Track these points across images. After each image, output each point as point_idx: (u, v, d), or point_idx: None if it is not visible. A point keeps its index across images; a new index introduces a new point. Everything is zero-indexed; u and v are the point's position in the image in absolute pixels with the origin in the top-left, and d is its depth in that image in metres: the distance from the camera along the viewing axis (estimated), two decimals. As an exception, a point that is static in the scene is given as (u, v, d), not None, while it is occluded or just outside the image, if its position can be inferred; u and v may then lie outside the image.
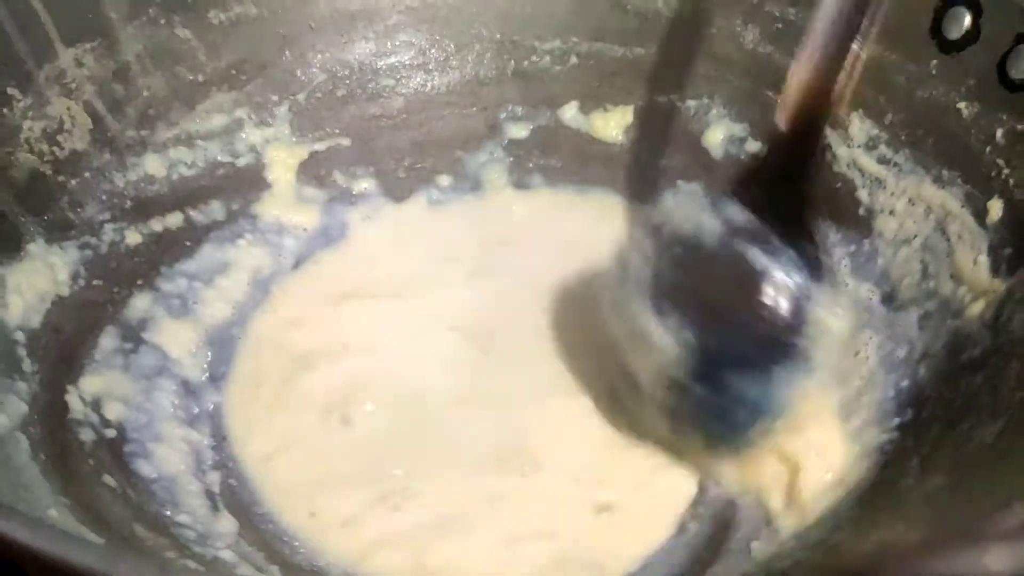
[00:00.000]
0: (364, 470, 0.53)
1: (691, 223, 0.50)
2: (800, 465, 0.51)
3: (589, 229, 0.65)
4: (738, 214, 0.50)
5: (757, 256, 0.48)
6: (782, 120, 0.50)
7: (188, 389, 0.56)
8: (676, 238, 0.51)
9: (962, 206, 0.54)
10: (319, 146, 0.65)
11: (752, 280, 0.49)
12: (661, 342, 0.49)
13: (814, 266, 0.49)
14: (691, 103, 0.66)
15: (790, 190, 0.50)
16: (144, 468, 0.51)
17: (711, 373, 0.49)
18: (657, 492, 0.53)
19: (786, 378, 0.49)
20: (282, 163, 0.64)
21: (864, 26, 0.48)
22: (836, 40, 0.48)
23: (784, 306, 0.48)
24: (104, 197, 0.58)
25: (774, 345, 0.49)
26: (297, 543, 0.50)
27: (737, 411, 0.50)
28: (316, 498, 0.51)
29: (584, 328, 0.58)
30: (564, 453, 0.54)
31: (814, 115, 0.50)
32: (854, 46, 0.48)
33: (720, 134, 0.66)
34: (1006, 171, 0.53)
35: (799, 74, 0.49)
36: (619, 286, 0.52)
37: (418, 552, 0.49)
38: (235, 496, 0.52)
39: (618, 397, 0.56)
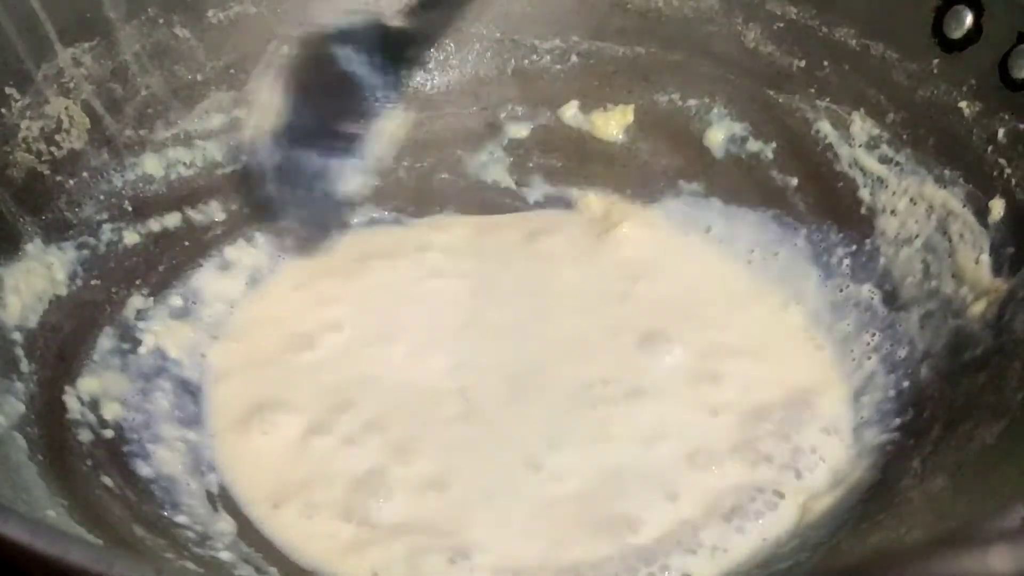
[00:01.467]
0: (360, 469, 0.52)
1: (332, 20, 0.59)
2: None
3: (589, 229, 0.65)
4: (365, 26, 0.59)
5: (353, 58, 0.58)
6: None
7: (186, 389, 0.56)
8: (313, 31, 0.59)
9: (964, 205, 0.54)
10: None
11: (341, 77, 0.58)
12: (267, 103, 0.58)
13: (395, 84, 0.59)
14: (692, 102, 0.66)
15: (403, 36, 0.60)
16: (142, 468, 0.50)
17: (292, 142, 0.58)
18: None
19: (346, 168, 0.58)
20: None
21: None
22: None
23: (358, 106, 0.59)
24: (102, 197, 0.58)
25: (343, 137, 0.58)
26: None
27: (300, 184, 0.58)
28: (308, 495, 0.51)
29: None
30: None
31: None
32: None
33: (721, 133, 0.66)
34: (1008, 170, 0.53)
35: None
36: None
37: (412, 552, 0.49)
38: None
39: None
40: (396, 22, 0.59)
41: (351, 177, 0.60)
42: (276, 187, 0.59)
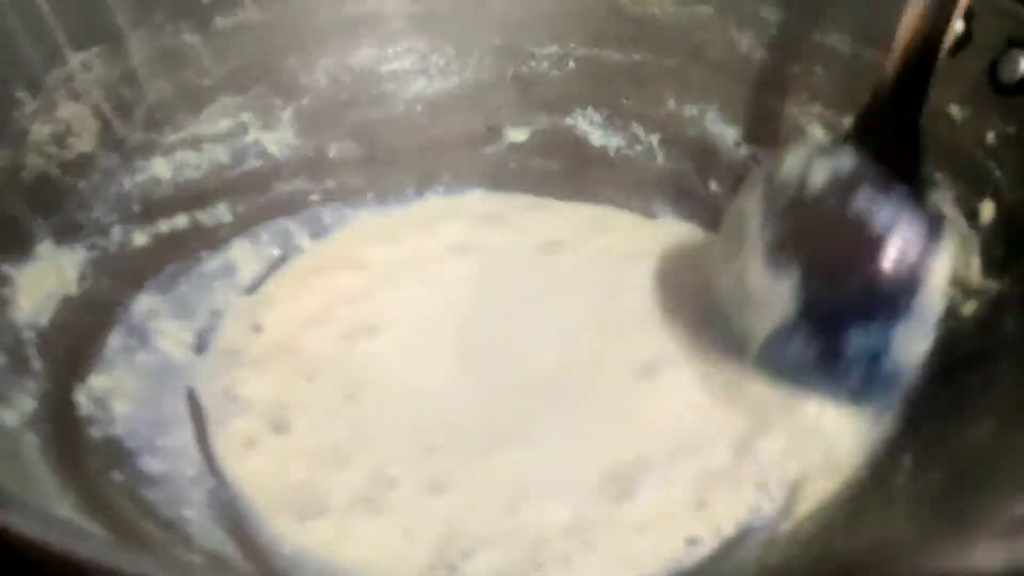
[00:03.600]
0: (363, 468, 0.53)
1: (803, 173, 0.49)
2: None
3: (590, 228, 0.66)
4: (851, 163, 0.49)
5: (873, 208, 0.47)
6: (891, 64, 0.49)
7: (194, 387, 0.56)
8: (788, 187, 0.49)
9: (954, 208, 0.55)
10: (322, 149, 0.66)
11: (869, 235, 0.47)
12: (774, 296, 0.48)
13: (932, 218, 0.47)
14: (687, 108, 0.67)
15: (904, 135, 0.49)
16: (151, 465, 0.51)
17: (827, 328, 0.48)
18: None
19: (904, 337, 0.48)
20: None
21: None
22: None
23: (902, 263, 0.47)
24: (112, 199, 0.58)
25: (892, 304, 0.47)
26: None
27: (851, 370, 0.48)
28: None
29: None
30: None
31: (924, 55, 0.49)
32: None
33: (717, 139, 0.66)
34: (997, 173, 0.53)
35: (910, 13, 0.48)
36: (728, 240, 0.51)
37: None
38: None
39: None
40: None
41: (910, 345, 0.48)
42: (819, 380, 0.50)
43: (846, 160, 0.49)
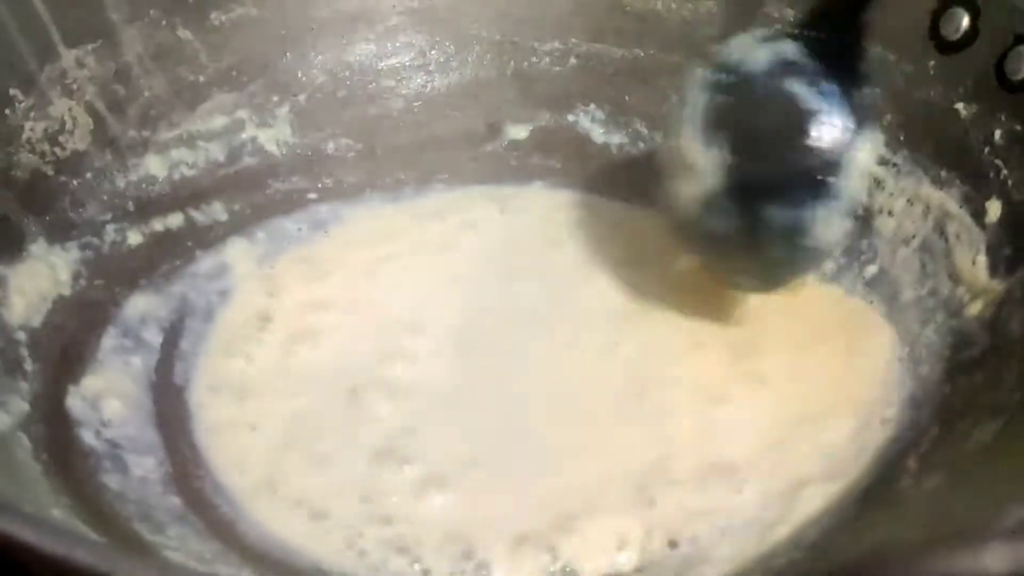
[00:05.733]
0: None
1: (745, 56, 0.53)
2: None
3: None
4: (791, 50, 0.52)
5: (804, 92, 0.51)
6: None
7: (187, 388, 0.56)
8: (729, 70, 0.53)
9: (960, 206, 0.54)
10: (319, 147, 0.66)
11: (798, 115, 0.51)
12: (704, 165, 0.51)
13: (861, 106, 0.51)
14: (691, 104, 0.67)
15: (846, 30, 0.52)
16: (143, 468, 0.50)
17: (751, 199, 0.51)
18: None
19: (823, 215, 0.51)
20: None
21: None
22: None
23: (827, 144, 0.50)
24: (106, 197, 0.58)
25: (814, 181, 0.51)
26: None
27: (774, 242, 0.52)
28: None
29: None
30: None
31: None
32: None
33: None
34: (1004, 172, 0.53)
35: None
36: (674, 118, 0.54)
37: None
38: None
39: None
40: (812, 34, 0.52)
41: (830, 223, 0.51)
42: (741, 251, 0.53)
43: (786, 48, 0.52)
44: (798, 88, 0.51)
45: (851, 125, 0.51)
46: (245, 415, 0.54)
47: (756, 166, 0.52)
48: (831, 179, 0.51)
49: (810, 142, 0.51)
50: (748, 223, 0.52)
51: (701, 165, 0.52)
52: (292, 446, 0.53)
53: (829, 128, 0.51)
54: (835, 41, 0.52)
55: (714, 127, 0.52)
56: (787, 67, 0.52)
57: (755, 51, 0.53)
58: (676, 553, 0.48)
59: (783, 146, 0.52)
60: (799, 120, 0.51)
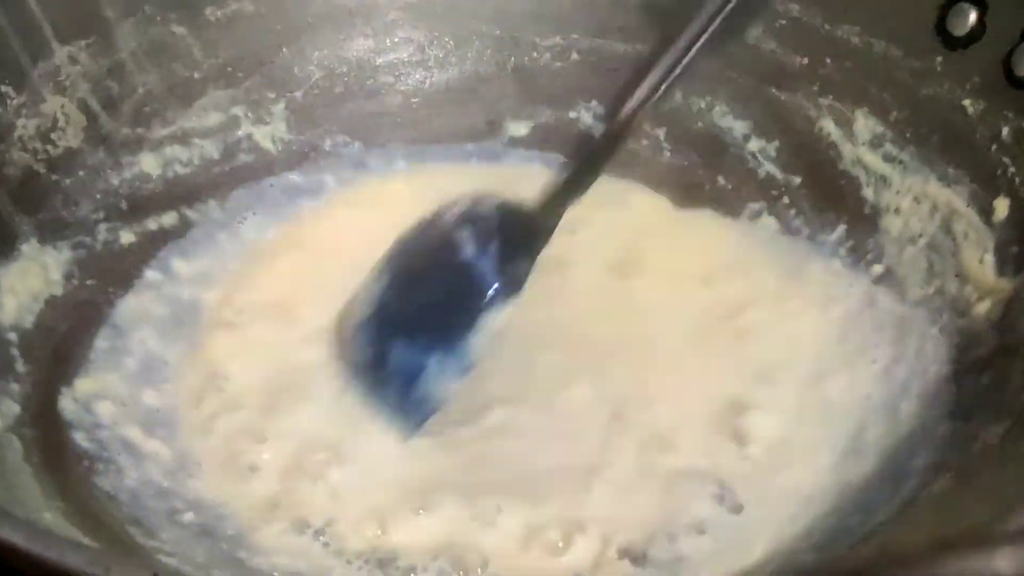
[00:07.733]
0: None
1: (452, 207, 0.54)
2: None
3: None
4: (484, 216, 0.54)
5: (468, 249, 0.52)
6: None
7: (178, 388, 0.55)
8: (434, 215, 0.55)
9: (968, 204, 0.54)
10: (316, 143, 0.65)
11: (450, 268, 0.53)
12: (371, 291, 0.54)
13: (509, 282, 0.52)
14: (695, 101, 0.66)
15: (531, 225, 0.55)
16: (136, 470, 0.50)
17: (387, 333, 0.53)
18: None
19: (441, 368, 0.51)
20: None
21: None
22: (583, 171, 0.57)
23: (459, 303, 0.52)
24: (98, 196, 0.57)
25: (436, 334, 0.52)
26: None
27: (388, 381, 0.52)
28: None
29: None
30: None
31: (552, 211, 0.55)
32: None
33: (725, 133, 0.65)
34: (1012, 169, 0.52)
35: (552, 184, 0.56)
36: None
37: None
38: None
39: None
40: (526, 210, 0.54)
41: (449, 378, 0.51)
42: (367, 376, 0.53)
43: (482, 211, 0.54)
44: (466, 239, 0.52)
45: (484, 295, 0.51)
46: (237, 415, 0.54)
47: (393, 304, 0.53)
48: (451, 338, 0.51)
49: (442, 294, 0.53)
50: (375, 359, 0.53)
51: (364, 296, 0.54)
52: (286, 451, 0.52)
53: (466, 286, 0.52)
54: (543, 224, 0.55)
55: (387, 258, 0.54)
56: (470, 219, 0.53)
57: (460, 205, 0.54)
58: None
59: (418, 291, 0.53)
60: (441, 274, 0.53)
